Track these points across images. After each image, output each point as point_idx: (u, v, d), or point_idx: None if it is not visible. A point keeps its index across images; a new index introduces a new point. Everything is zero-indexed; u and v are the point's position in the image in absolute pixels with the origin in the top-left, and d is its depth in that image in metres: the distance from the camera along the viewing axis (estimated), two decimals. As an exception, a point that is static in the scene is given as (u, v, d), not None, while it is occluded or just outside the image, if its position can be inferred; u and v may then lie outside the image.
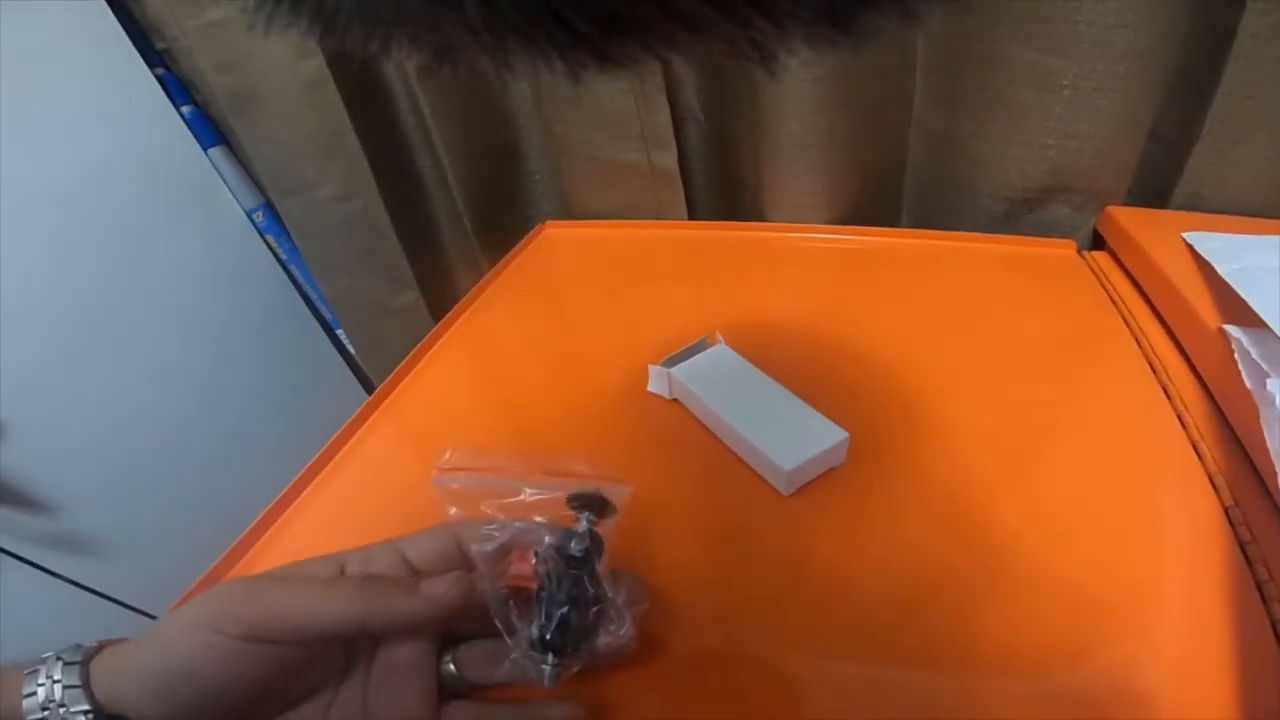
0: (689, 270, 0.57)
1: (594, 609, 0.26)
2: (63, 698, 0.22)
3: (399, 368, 0.47)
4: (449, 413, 0.44)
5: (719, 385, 0.38)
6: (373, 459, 0.40)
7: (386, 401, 0.45)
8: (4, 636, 0.59)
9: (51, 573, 0.64)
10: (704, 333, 0.42)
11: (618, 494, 0.28)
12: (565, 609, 0.25)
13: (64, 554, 0.66)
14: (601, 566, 0.27)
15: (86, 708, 0.22)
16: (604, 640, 0.26)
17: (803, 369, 0.40)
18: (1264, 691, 0.25)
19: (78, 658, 0.23)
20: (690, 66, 0.57)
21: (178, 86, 0.75)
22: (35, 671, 0.22)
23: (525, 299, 0.55)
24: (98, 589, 0.67)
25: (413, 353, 0.48)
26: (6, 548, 0.60)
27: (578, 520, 0.27)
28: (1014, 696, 0.26)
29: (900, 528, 0.33)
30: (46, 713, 0.22)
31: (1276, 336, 0.34)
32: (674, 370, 0.39)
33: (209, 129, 0.78)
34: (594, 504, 0.27)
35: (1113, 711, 0.26)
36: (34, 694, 0.22)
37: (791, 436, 0.34)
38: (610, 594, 0.26)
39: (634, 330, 0.48)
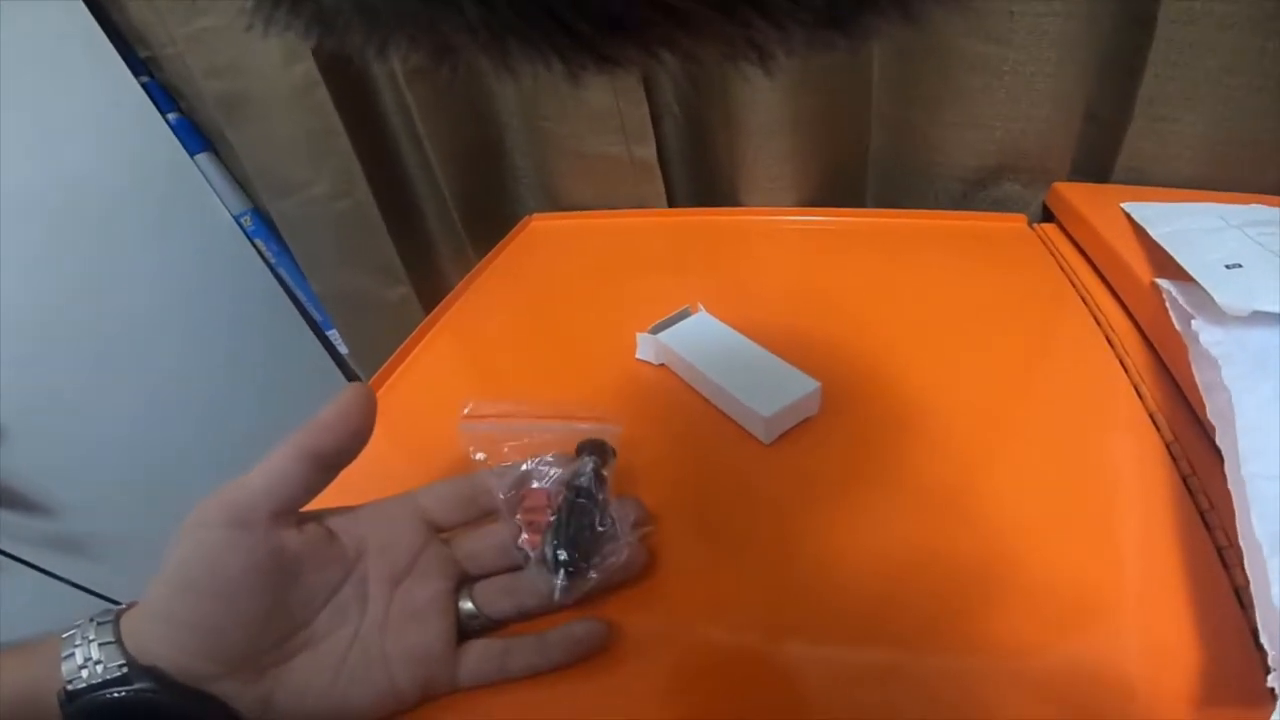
0: (670, 254, 0.61)
1: (601, 530, 0.29)
2: (99, 655, 0.22)
3: (390, 359, 0.48)
4: (441, 399, 0.45)
5: (702, 347, 0.41)
6: (366, 451, 0.42)
7: (381, 390, 0.46)
8: (4, 639, 0.59)
9: (51, 574, 0.64)
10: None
11: (612, 433, 0.31)
12: (573, 531, 0.28)
13: (63, 556, 0.67)
14: (604, 496, 0.30)
15: (122, 661, 0.22)
16: (611, 557, 0.28)
17: (778, 333, 0.43)
18: (1213, 612, 0.27)
19: (108, 617, 0.23)
20: (668, 73, 0.60)
21: (163, 94, 0.77)
22: (70, 635, 0.23)
23: (514, 288, 0.58)
24: (97, 590, 0.68)
25: (404, 344, 0.50)
26: (8, 550, 0.61)
27: (583, 461, 0.30)
28: (967, 630, 0.28)
29: (871, 470, 0.36)
30: (84, 671, 0.22)
31: (1199, 286, 0.38)
32: (660, 336, 0.42)
33: (195, 135, 0.80)
34: (599, 449, 0.31)
35: (1070, 636, 0.27)
36: (71, 655, 0.22)
37: (769, 388, 0.37)
38: (615, 519, 0.29)
39: (620, 310, 0.50)
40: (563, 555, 0.28)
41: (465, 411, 0.34)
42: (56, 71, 0.68)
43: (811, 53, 0.11)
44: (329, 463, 0.26)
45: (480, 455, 0.32)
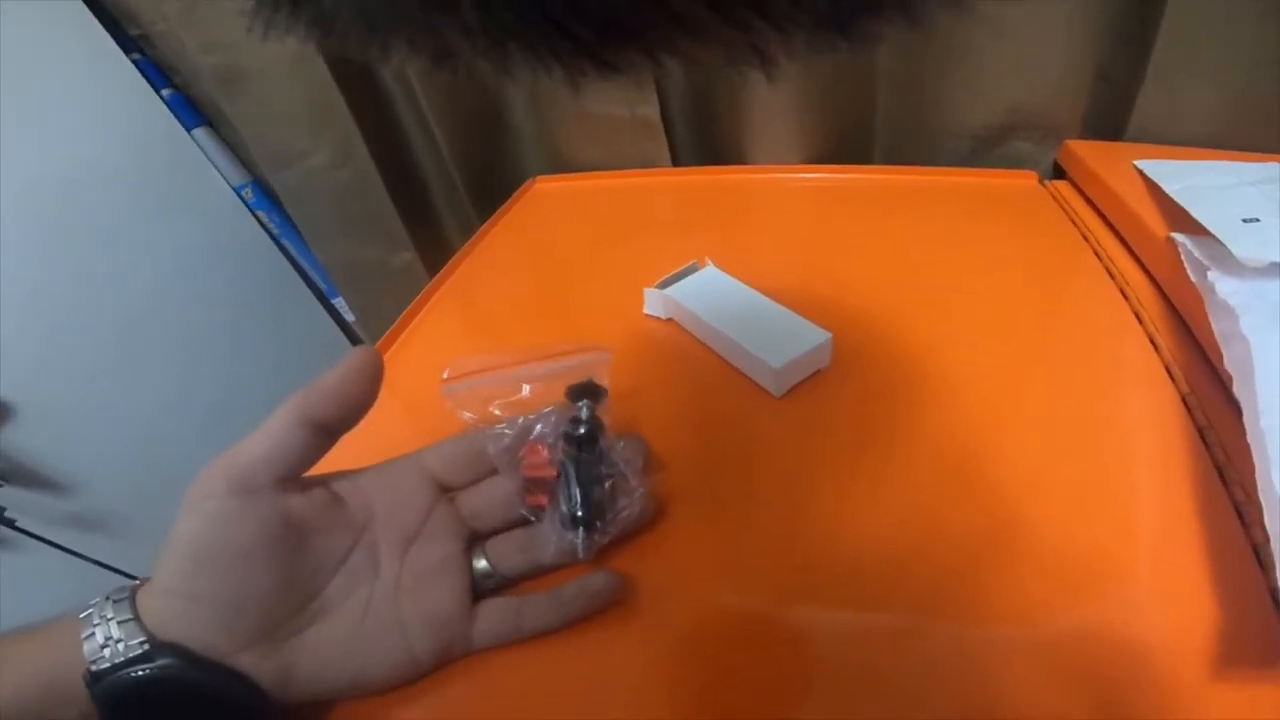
0: (676, 213, 0.60)
1: (608, 482, 0.28)
2: (119, 634, 0.22)
3: (395, 324, 0.48)
4: (445, 364, 0.45)
5: (710, 301, 0.41)
6: (369, 416, 0.42)
7: (386, 355, 0.45)
8: (23, 616, 0.60)
9: (65, 549, 0.65)
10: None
11: (601, 362, 0.31)
12: (585, 486, 0.28)
13: (75, 531, 0.67)
14: (605, 442, 0.29)
15: (142, 638, 0.22)
16: (625, 510, 0.28)
17: (787, 288, 0.42)
18: (1231, 570, 0.27)
19: (124, 595, 0.23)
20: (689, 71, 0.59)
21: (155, 71, 0.76)
22: (88, 615, 0.23)
23: (518, 251, 0.57)
24: (111, 564, 0.68)
25: (408, 309, 0.49)
26: (24, 527, 0.61)
27: (578, 409, 0.29)
28: (979, 589, 0.28)
29: (883, 425, 0.35)
30: (106, 650, 0.22)
31: (1215, 240, 0.37)
32: (668, 290, 0.42)
33: (191, 111, 0.79)
34: (589, 391, 0.30)
35: (1086, 596, 0.27)
36: (92, 635, 0.22)
37: (779, 339, 0.37)
38: (621, 465, 0.29)
39: (626, 269, 0.49)
40: (580, 513, 0.28)
41: (445, 375, 0.32)
42: (47, 54, 0.67)
43: (812, 55, 0.11)
44: (330, 428, 0.25)
45: (468, 415, 0.31)
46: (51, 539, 0.64)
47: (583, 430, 0.29)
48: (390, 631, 0.26)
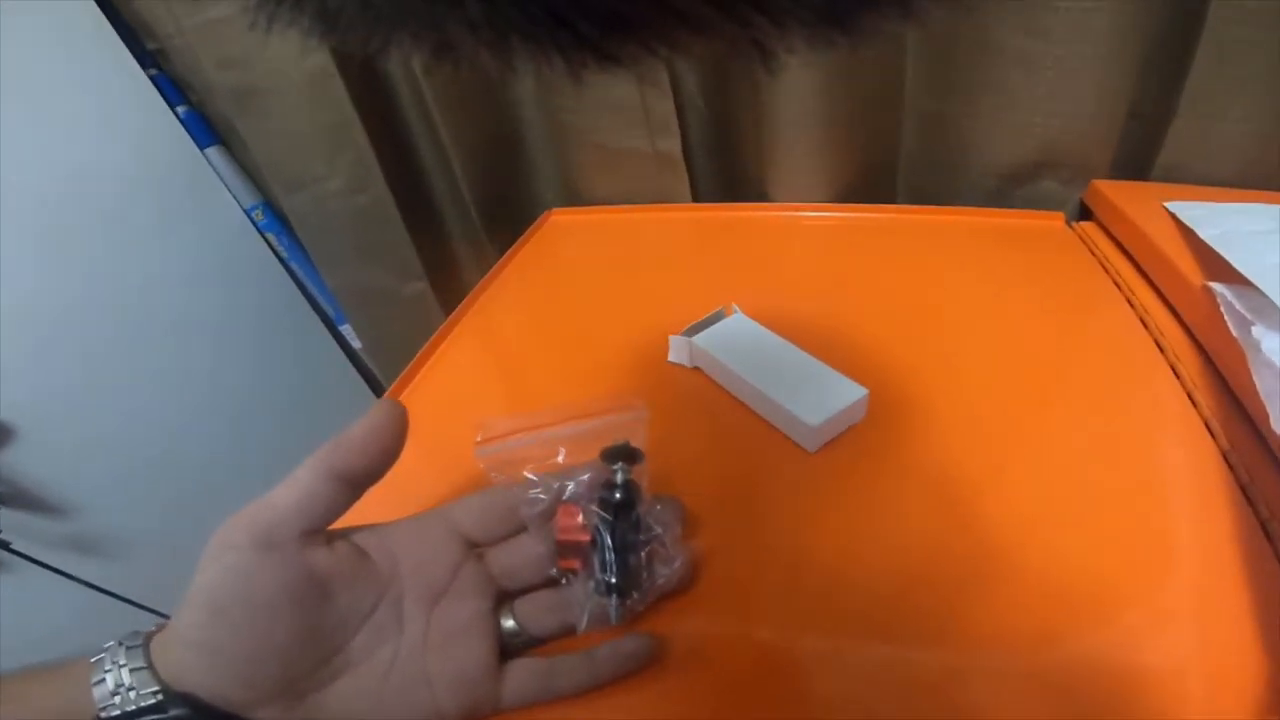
0: (696, 251, 0.59)
1: (645, 549, 0.28)
2: (131, 681, 0.22)
3: (414, 361, 0.47)
4: (467, 401, 0.45)
5: (739, 351, 0.40)
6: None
7: (403, 394, 0.45)
8: (21, 640, 0.59)
9: (67, 575, 0.64)
10: (715, 308, 0.44)
11: (636, 421, 0.31)
12: (621, 554, 0.27)
13: (78, 556, 0.66)
14: (642, 507, 0.28)
15: (155, 688, 0.22)
16: (662, 575, 0.28)
17: (815, 335, 0.42)
18: (1277, 622, 0.26)
19: (138, 641, 0.23)
20: (691, 64, 0.59)
21: (171, 87, 0.75)
22: (100, 659, 0.23)
23: (536, 286, 0.56)
24: (112, 590, 0.67)
25: (426, 345, 0.48)
26: (22, 551, 0.60)
27: (613, 472, 0.29)
28: (1025, 645, 0.28)
29: (920, 480, 0.35)
30: (117, 698, 0.22)
31: (1258, 290, 0.37)
32: (695, 339, 0.41)
33: (205, 129, 0.78)
34: (625, 454, 0.29)
35: (1133, 655, 0.27)
36: (103, 681, 0.22)
37: (815, 394, 0.36)
38: (658, 530, 0.28)
39: (646, 310, 0.49)
40: (615, 581, 0.27)
41: (478, 439, 0.32)
42: (63, 66, 0.67)
43: (812, 50, 0.11)
44: (357, 482, 0.25)
45: (498, 478, 0.30)
46: (48, 562, 0.63)
47: (619, 496, 0.28)
48: (416, 689, 0.25)
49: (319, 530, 0.25)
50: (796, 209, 0.62)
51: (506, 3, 0.10)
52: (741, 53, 0.11)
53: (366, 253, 0.73)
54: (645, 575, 0.28)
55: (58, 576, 0.63)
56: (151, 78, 0.73)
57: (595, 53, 0.11)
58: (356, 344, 0.92)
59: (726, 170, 0.65)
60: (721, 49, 0.11)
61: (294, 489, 0.24)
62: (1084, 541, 0.31)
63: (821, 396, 0.36)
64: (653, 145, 0.62)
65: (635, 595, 0.27)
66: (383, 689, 0.25)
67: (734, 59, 0.12)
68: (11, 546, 0.60)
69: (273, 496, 0.24)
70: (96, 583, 0.66)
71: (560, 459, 0.31)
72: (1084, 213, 0.58)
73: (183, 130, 0.76)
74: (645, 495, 0.29)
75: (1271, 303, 0.35)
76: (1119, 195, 0.53)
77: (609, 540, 0.27)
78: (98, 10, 0.68)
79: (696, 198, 0.66)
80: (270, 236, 0.85)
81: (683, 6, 0.10)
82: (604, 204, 0.67)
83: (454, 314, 0.52)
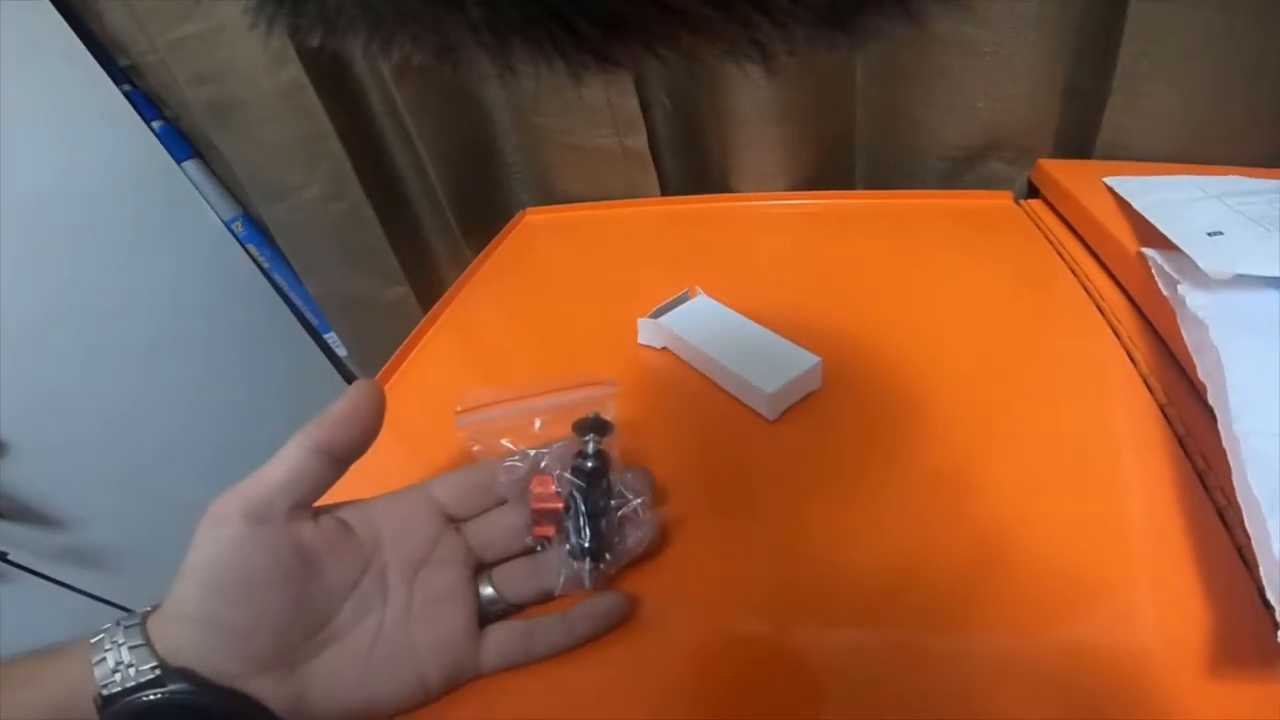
0: (666, 242, 0.61)
1: (617, 514, 0.29)
2: (130, 659, 0.22)
3: (391, 359, 0.48)
4: (443, 396, 0.45)
5: (703, 329, 0.42)
6: (372, 449, 0.41)
7: (385, 388, 0.46)
8: (20, 648, 0.59)
9: (64, 584, 0.64)
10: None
11: (607, 395, 0.32)
12: (593, 519, 0.29)
13: (73, 567, 0.67)
14: (613, 476, 0.30)
15: (153, 664, 0.22)
16: (632, 539, 0.29)
17: (776, 314, 0.44)
18: (1218, 573, 0.28)
19: (135, 620, 0.23)
20: (690, 68, 0.61)
21: (146, 102, 0.76)
22: (99, 640, 0.23)
23: (511, 283, 0.58)
24: (108, 598, 0.67)
25: (403, 345, 0.50)
26: (18, 562, 0.61)
27: (585, 443, 0.30)
28: (973, 605, 0.28)
29: (875, 445, 0.37)
30: (117, 675, 0.22)
31: (1184, 253, 0.39)
32: (661, 320, 0.43)
33: (181, 143, 0.79)
34: (596, 426, 0.31)
35: (1078, 607, 0.28)
36: (103, 660, 0.22)
37: (771, 364, 0.38)
38: (629, 497, 0.30)
39: (619, 299, 0.50)
40: (588, 545, 0.28)
41: (458, 408, 0.34)
42: (36, 81, 0.67)
43: (813, 51, 0.12)
44: (341, 457, 0.26)
45: (477, 447, 0.32)
46: (47, 574, 0.64)
47: (590, 465, 0.30)
48: (401, 656, 0.27)
49: (306, 505, 0.26)
50: (760, 198, 0.64)
51: (507, 4, 0.10)
52: (742, 54, 0.11)
53: (347, 260, 0.74)
54: (617, 540, 0.29)
55: (56, 587, 0.64)
56: (125, 93, 0.74)
57: (596, 54, 0.11)
58: (341, 351, 0.93)
59: (692, 164, 0.68)
60: (722, 50, 0.11)
61: (282, 465, 0.25)
62: (1030, 502, 0.32)
63: (777, 365, 0.38)
64: (621, 143, 0.64)
65: (608, 558, 0.29)
66: (369, 657, 0.26)
67: (735, 60, 0.12)
68: (8, 557, 0.61)
69: (262, 473, 0.25)
70: (94, 592, 0.67)
71: (536, 428, 0.32)
72: (1032, 191, 0.61)
73: (159, 145, 0.77)
74: (616, 464, 0.31)
75: (1195, 263, 0.37)
76: (1062, 173, 0.56)
77: (582, 506, 0.29)
78: (68, 28, 0.69)
79: (665, 191, 0.68)
80: (251, 248, 0.86)
81: (684, 7, 0.10)
82: (577, 201, 0.69)
83: (433, 310, 0.54)
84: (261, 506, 0.24)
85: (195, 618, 0.24)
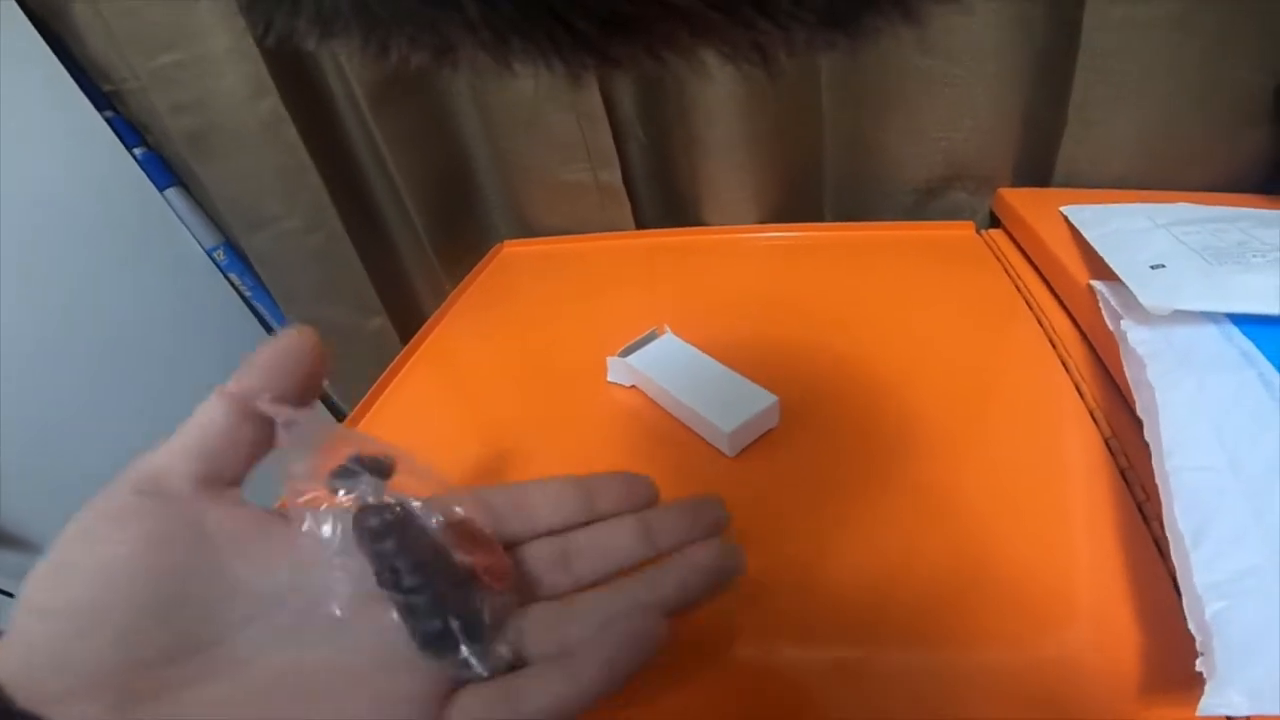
0: (639, 276, 0.63)
1: (464, 566, 0.22)
2: None
3: (369, 392, 0.49)
4: (421, 429, 0.47)
5: (668, 368, 0.43)
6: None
7: (362, 422, 0.47)
8: None
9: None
10: (652, 328, 0.47)
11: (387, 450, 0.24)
12: (428, 585, 0.20)
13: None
14: (429, 517, 0.22)
15: None
16: (497, 601, 0.22)
17: (740, 350, 0.45)
18: (1154, 599, 0.29)
19: None
20: (626, 92, 0.62)
21: (128, 129, 0.76)
22: None
23: (488, 315, 0.59)
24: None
25: (382, 377, 0.50)
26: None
27: (359, 499, 0.22)
28: (932, 629, 0.29)
29: (831, 477, 0.38)
30: None
31: (1126, 286, 0.40)
32: (629, 359, 0.45)
33: (163, 170, 0.80)
34: (370, 467, 0.22)
35: (1024, 629, 0.29)
36: None
37: (731, 403, 0.39)
38: (475, 529, 0.23)
39: (592, 334, 0.51)
40: (453, 623, 0.21)
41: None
42: (15, 107, 0.67)
43: (813, 53, 0.12)
44: (262, 411, 0.21)
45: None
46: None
47: (386, 518, 0.21)
48: (322, 709, 0.19)
49: (224, 479, 0.21)
50: (731, 231, 0.65)
51: (506, 3, 0.10)
52: (742, 55, 0.12)
53: (326, 290, 0.75)
54: (481, 604, 0.21)
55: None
56: (108, 120, 0.74)
57: (596, 54, 0.11)
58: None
59: (665, 196, 0.69)
60: (722, 51, 0.11)
61: (187, 425, 0.21)
62: (983, 529, 0.33)
63: (736, 405, 0.39)
64: (595, 177, 0.65)
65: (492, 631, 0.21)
66: (265, 705, 0.19)
67: (735, 61, 0.12)
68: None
69: (166, 439, 0.21)
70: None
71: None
72: (994, 220, 0.62)
73: (141, 172, 0.77)
74: (429, 499, 0.23)
75: (1135, 298, 0.38)
76: (1021, 202, 0.58)
77: (406, 579, 0.20)
78: (49, 53, 0.69)
79: (640, 224, 0.69)
80: (233, 276, 0.87)
81: (685, 7, 0.10)
82: (554, 234, 0.70)
83: (411, 343, 0.54)
84: (156, 474, 0.20)
85: (33, 606, 0.18)
